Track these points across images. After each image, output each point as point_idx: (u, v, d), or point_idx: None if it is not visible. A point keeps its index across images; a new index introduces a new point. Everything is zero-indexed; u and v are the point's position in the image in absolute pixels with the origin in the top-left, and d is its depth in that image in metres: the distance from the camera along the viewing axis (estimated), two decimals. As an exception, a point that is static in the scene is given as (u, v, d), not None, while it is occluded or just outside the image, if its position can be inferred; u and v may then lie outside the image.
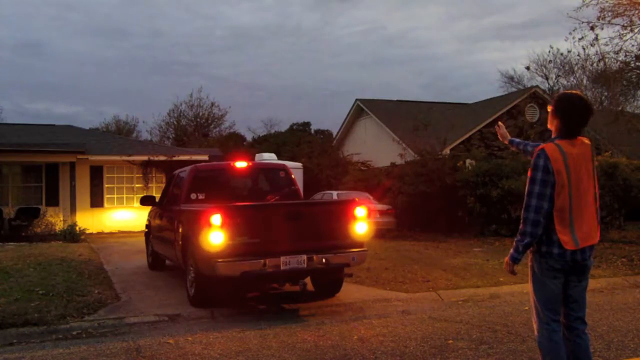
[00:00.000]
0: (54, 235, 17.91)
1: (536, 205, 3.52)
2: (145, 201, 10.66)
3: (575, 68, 20.69)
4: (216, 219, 6.57)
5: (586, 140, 3.69)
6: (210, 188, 8.67)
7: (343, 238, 7.27)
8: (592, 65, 19.18)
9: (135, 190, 21.27)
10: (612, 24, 16.52)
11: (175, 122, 47.17)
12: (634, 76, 19.16)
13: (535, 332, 3.76)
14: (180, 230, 8.07)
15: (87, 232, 18.84)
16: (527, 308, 6.98)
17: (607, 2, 16.00)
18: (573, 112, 3.63)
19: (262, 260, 6.67)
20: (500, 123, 4.73)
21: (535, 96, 23.90)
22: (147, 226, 11.47)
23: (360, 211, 7.31)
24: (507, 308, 7.18)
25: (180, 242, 8.03)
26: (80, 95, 75.28)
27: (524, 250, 3.63)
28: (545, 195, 3.51)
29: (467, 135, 22.73)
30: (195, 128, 47.41)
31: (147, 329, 6.42)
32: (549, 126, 3.80)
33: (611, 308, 6.81)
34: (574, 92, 3.80)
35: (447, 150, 20.99)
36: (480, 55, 74.81)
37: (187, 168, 9.41)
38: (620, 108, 19.62)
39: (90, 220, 20.23)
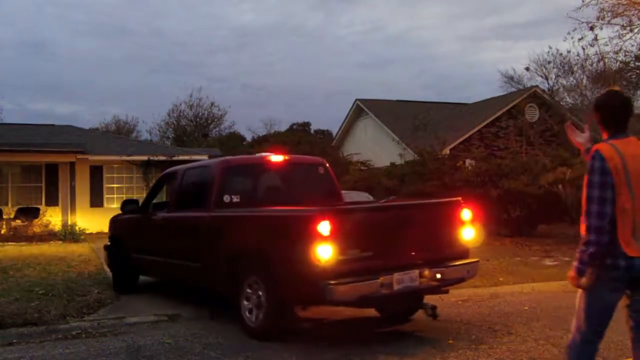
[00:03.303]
0: (53, 235, 17.92)
1: (598, 211, 3.23)
2: (127, 207, 8.59)
3: (575, 68, 20.70)
4: (324, 226, 5.07)
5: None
6: (245, 188, 7.16)
7: (451, 246, 6.09)
8: (591, 65, 19.21)
9: (135, 190, 21.27)
10: (611, 24, 16.56)
11: (175, 122, 47.22)
12: (633, 76, 19.17)
13: (570, 339, 3.55)
14: (225, 242, 6.32)
15: (87, 232, 18.85)
16: (527, 308, 6.99)
17: (606, 2, 16.03)
18: (615, 107, 3.49)
19: (379, 280, 5.27)
20: (569, 123, 4.23)
21: (535, 96, 23.90)
22: (114, 239, 9.14)
23: (467, 213, 6.19)
24: (507, 308, 7.17)
25: (221, 258, 6.32)
26: (81, 95, 75.32)
27: (591, 260, 3.28)
28: (606, 199, 3.23)
29: (467, 135, 22.74)
30: (195, 128, 47.44)
31: (147, 329, 6.41)
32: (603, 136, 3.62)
33: (611, 308, 6.80)
34: (609, 90, 3.71)
35: (447, 150, 21.00)
36: (481, 55, 74.86)
37: (199, 164, 8.20)
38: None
39: (90, 220, 20.22)
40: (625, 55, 17.64)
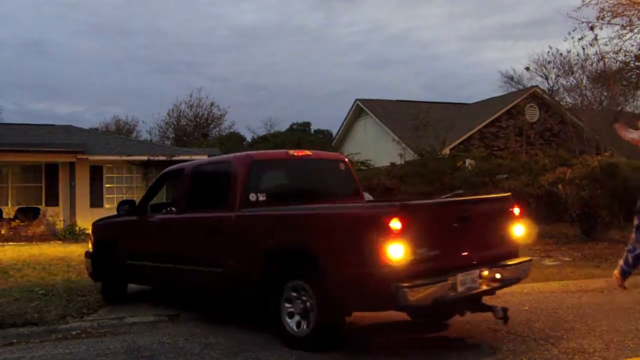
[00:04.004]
0: (53, 236, 17.94)
1: None
2: (125, 208, 7.76)
3: (575, 68, 20.72)
4: (396, 223, 4.70)
5: None
6: (270, 185, 6.63)
7: (504, 244, 5.80)
8: (591, 65, 19.23)
9: (135, 190, 21.28)
10: (611, 24, 16.58)
11: (174, 122, 47.25)
12: (633, 76, 19.19)
13: None
14: (259, 244, 5.77)
15: (87, 232, 18.80)
16: (527, 308, 6.97)
17: (606, 2, 16.04)
18: None
19: (449, 281, 4.92)
20: (622, 122, 4.02)
21: (535, 96, 23.93)
22: (101, 244, 8.13)
23: (517, 209, 5.95)
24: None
25: (252, 262, 5.77)
26: (81, 95, 75.34)
27: (635, 262, 3.12)
28: None
29: (467, 135, 22.77)
30: (195, 128, 47.46)
31: (147, 329, 6.41)
32: None
33: (611, 308, 6.80)
34: None
35: (447, 150, 21.01)
36: (481, 55, 74.77)
37: (214, 160, 7.60)
38: (620, 108, 19.63)
39: (90, 220, 20.04)
40: (625, 55, 17.66)
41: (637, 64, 18.38)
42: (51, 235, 18.01)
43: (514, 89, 30.24)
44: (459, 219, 5.31)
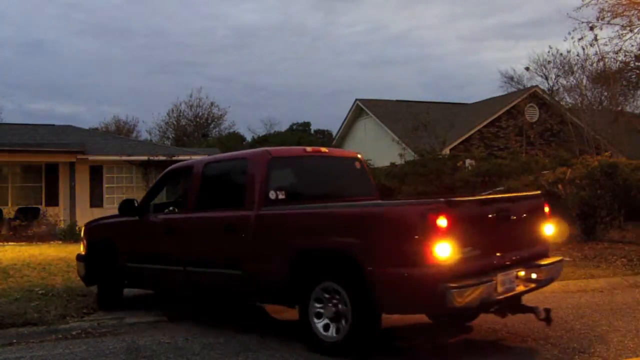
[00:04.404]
0: (53, 235, 17.94)
1: None
2: (127, 207, 7.21)
3: (575, 68, 20.73)
4: (442, 220, 4.47)
5: None
6: (288, 182, 6.37)
7: (537, 244, 5.65)
8: (591, 65, 19.23)
9: (135, 190, 21.28)
10: (611, 24, 16.59)
11: (174, 122, 47.27)
12: (633, 76, 19.19)
13: None
14: (286, 245, 5.44)
15: (87, 232, 18.82)
16: (527, 308, 6.97)
17: (606, 2, 16.05)
18: None
19: (493, 281, 4.71)
20: None
21: (535, 96, 23.93)
22: (95, 247, 7.67)
23: (547, 208, 5.79)
24: (507, 308, 7.16)
25: (277, 264, 5.47)
26: (81, 95, 75.43)
27: None
28: None
29: (467, 135, 22.77)
30: (195, 128, 47.48)
31: (147, 329, 6.40)
32: None
33: (611, 308, 6.81)
34: None
35: (447, 150, 21.00)
36: (482, 55, 74.83)
37: (227, 157, 7.37)
38: (620, 108, 19.64)
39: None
40: (625, 55, 17.66)
41: (637, 64, 18.38)
42: (51, 236, 18.01)
43: (514, 89, 30.31)
44: (499, 216, 5.15)
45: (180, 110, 46.93)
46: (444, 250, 4.42)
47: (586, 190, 13.11)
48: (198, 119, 47.87)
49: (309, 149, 6.75)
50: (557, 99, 24.06)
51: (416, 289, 4.56)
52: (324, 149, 6.91)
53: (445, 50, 77.67)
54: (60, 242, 16.31)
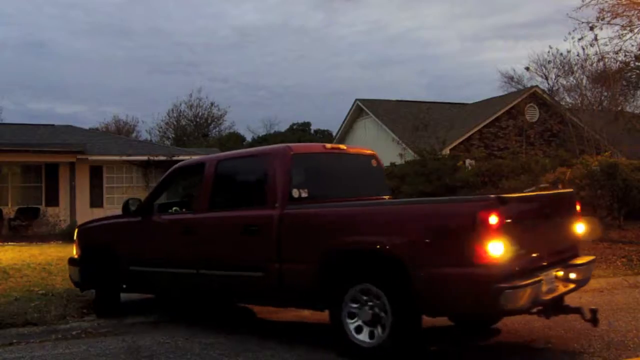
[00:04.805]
0: (53, 235, 17.94)
1: None
2: (132, 207, 6.84)
3: (575, 68, 20.72)
4: (494, 217, 4.32)
5: None
6: (310, 180, 5.99)
7: (570, 242, 5.51)
8: (591, 65, 19.21)
9: (135, 190, 21.29)
10: (611, 24, 16.57)
11: (174, 122, 47.29)
12: (633, 76, 19.20)
13: None
14: (318, 245, 5.20)
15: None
16: (527, 308, 6.97)
17: (606, 2, 16.04)
18: None
19: (542, 281, 4.57)
20: None
21: (535, 96, 23.93)
22: (92, 250, 7.22)
23: (578, 207, 5.66)
24: (507, 308, 7.15)
25: (304, 265, 5.24)
26: (81, 95, 75.40)
27: None
28: None
29: (467, 135, 22.76)
30: (195, 128, 47.50)
31: (147, 329, 6.40)
32: None
33: (611, 308, 6.81)
34: None
35: (447, 150, 21.01)
36: (482, 55, 74.82)
37: (243, 153, 6.99)
38: (620, 108, 19.63)
39: (90, 220, 20.25)
40: (625, 55, 17.66)
41: (637, 64, 18.39)
42: (51, 236, 18.02)
43: (514, 89, 30.24)
44: (541, 214, 5.04)
45: (180, 111, 47.00)
46: (496, 249, 4.25)
47: (586, 191, 13.10)
48: (198, 119, 47.89)
49: (328, 145, 6.56)
50: (557, 99, 24.04)
51: (468, 290, 4.37)
52: (342, 146, 6.71)
53: (445, 50, 77.71)
54: (60, 242, 16.30)
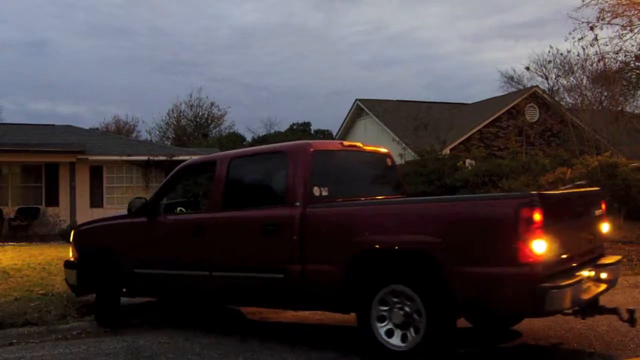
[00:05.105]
0: (53, 235, 17.95)
1: None
2: (139, 207, 6.55)
3: (575, 68, 20.72)
4: (538, 215, 4.16)
5: None
6: (330, 178, 5.74)
7: (597, 242, 5.35)
8: (591, 65, 19.20)
9: (135, 190, 21.30)
10: (611, 24, 16.58)
11: (175, 122, 47.29)
12: (633, 76, 19.19)
13: None
14: (346, 244, 4.96)
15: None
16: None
17: (606, 2, 16.05)
18: None
19: (582, 281, 4.48)
20: None
21: (535, 96, 23.94)
22: (91, 253, 6.90)
23: (604, 205, 5.56)
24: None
25: (329, 265, 5.02)
26: (82, 95, 75.30)
27: None
28: None
29: (467, 135, 22.77)
30: (195, 128, 47.49)
31: (147, 329, 6.41)
32: None
33: (611, 308, 6.80)
34: None
35: (447, 150, 21.02)
36: (482, 55, 74.70)
37: (259, 150, 6.72)
38: (620, 108, 19.62)
39: (90, 220, 20.24)
40: (625, 55, 17.66)
41: (637, 64, 18.38)
42: (51, 236, 18.03)
43: (514, 89, 30.25)
44: (576, 212, 4.97)
45: (180, 110, 46.97)
46: (539, 248, 4.11)
47: (586, 191, 13.08)
48: (198, 119, 47.87)
49: (345, 143, 6.52)
50: (557, 99, 24.05)
51: (511, 290, 4.22)
52: (358, 144, 6.50)
53: (446, 50, 77.63)
54: (60, 242, 16.31)
